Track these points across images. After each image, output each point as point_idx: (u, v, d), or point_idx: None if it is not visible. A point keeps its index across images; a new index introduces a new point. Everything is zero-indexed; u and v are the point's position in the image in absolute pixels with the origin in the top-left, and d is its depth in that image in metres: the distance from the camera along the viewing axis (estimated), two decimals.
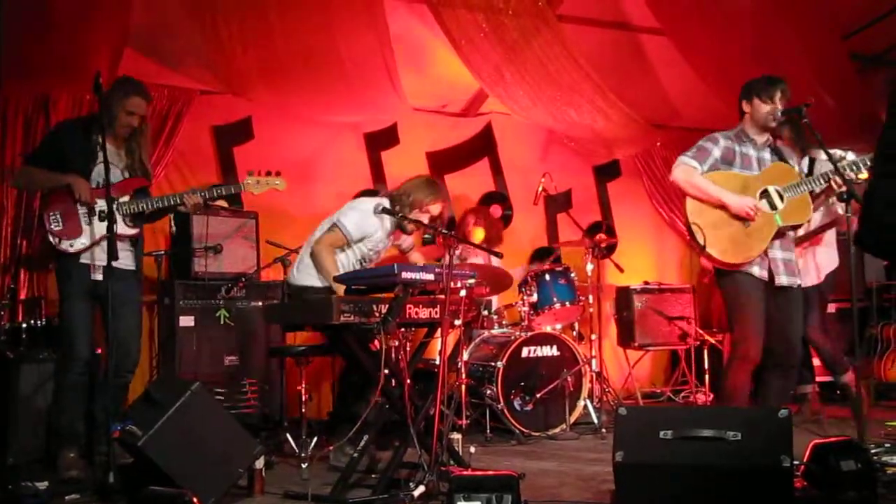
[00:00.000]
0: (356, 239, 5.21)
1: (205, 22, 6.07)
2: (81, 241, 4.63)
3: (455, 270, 4.20)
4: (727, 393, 4.79)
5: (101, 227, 4.60)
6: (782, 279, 4.75)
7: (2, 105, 5.99)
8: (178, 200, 4.81)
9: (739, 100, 4.89)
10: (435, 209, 5.27)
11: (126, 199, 4.72)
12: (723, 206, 4.68)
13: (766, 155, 4.87)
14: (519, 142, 8.31)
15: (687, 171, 4.75)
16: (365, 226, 5.20)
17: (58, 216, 4.62)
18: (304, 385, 5.14)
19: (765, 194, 4.76)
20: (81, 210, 4.64)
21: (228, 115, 7.01)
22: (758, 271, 4.72)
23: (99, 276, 4.65)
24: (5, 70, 5.58)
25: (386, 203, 5.20)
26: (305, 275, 5.28)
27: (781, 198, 4.75)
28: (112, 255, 4.14)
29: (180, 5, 6.05)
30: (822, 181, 4.78)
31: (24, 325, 5.42)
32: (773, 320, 4.77)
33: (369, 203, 5.25)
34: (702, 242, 4.66)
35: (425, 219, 5.21)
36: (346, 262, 5.28)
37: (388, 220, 5.29)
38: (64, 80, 5.95)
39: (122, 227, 4.66)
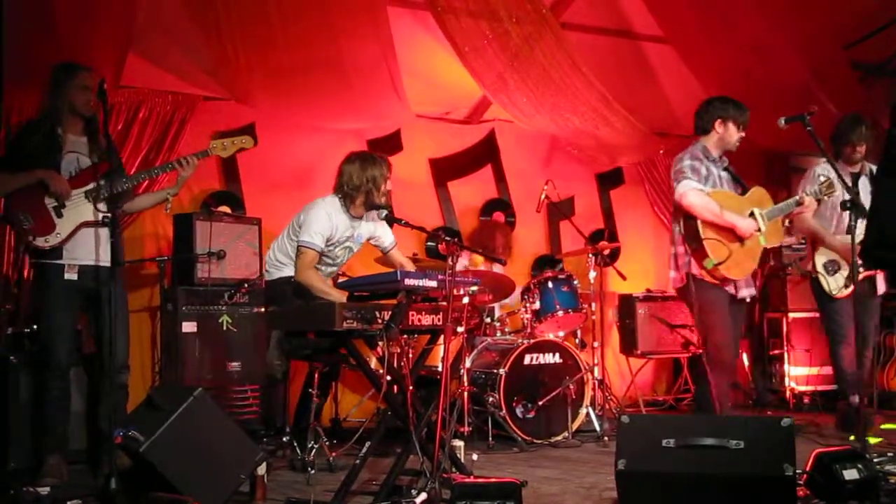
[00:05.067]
0: (326, 246, 5.20)
1: (208, 28, 6.08)
2: (56, 235, 4.55)
3: (458, 277, 4.20)
4: (711, 401, 4.97)
5: (72, 219, 4.57)
6: (743, 292, 5.13)
7: (5, 112, 5.99)
8: (150, 175, 4.89)
9: (711, 117, 5.13)
10: (387, 175, 5.25)
11: (97, 184, 4.63)
12: (731, 228, 4.92)
13: (724, 174, 5.17)
14: (522, 149, 8.32)
15: (699, 195, 4.93)
16: (324, 229, 5.17)
17: (27, 215, 4.54)
18: (315, 390, 5.09)
19: (751, 216, 5.04)
20: (50, 204, 4.55)
21: (232, 122, 7.01)
22: (727, 287, 5.05)
23: (73, 276, 4.60)
24: (8, 77, 5.59)
25: (338, 203, 5.22)
26: (276, 269, 5.34)
27: (764, 220, 5.06)
28: (115, 259, 4.13)
29: (184, 12, 6.06)
30: (794, 204, 5.24)
31: (27, 331, 5.42)
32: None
33: (317, 207, 5.22)
34: (718, 259, 4.85)
35: (386, 189, 5.22)
36: (329, 270, 5.35)
37: (341, 209, 5.24)
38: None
39: (93, 214, 4.58)
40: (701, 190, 4.91)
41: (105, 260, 4.50)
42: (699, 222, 4.91)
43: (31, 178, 4.54)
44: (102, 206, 4.65)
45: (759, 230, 5.00)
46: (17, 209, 4.57)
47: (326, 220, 5.16)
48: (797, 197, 5.31)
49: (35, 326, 5.45)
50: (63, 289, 4.61)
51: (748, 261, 5.01)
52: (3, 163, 4.76)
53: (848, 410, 6.21)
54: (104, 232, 4.52)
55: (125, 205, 4.95)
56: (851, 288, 5.90)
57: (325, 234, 5.13)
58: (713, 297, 5.01)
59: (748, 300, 5.23)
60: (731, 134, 5.10)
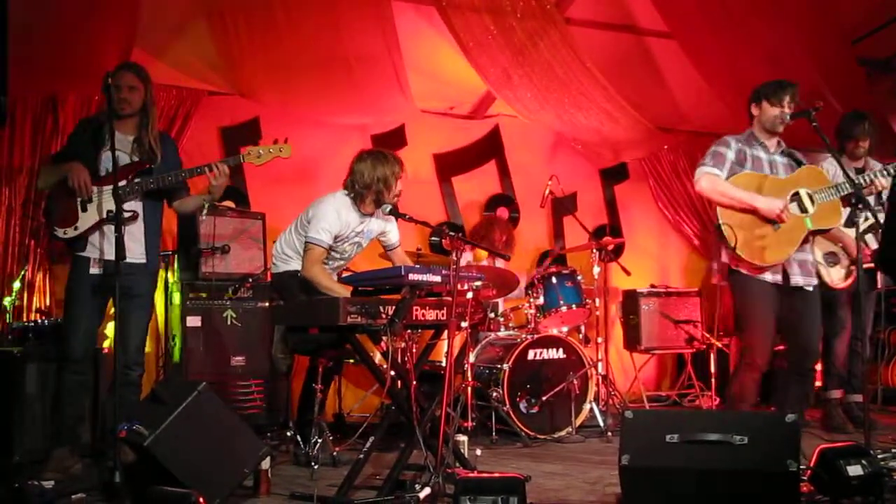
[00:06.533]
0: (334, 242, 5.19)
1: (213, 23, 6.09)
2: (74, 228, 4.59)
3: (462, 272, 4.20)
4: (734, 398, 4.85)
5: (94, 215, 4.59)
6: (797, 279, 4.77)
7: (10, 105, 6.00)
8: (183, 175, 4.75)
9: (749, 103, 4.90)
10: (399, 174, 5.18)
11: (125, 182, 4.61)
12: (753, 210, 4.68)
13: (779, 158, 4.90)
14: (526, 144, 8.32)
15: (712, 179, 4.74)
16: (332, 226, 5.14)
17: (55, 205, 4.62)
18: (319, 384, 5.09)
19: (795, 197, 4.76)
20: (79, 198, 4.59)
21: (236, 116, 7.02)
22: (770, 277, 4.75)
23: (97, 271, 4.62)
24: (13, 70, 5.59)
25: (348, 200, 5.19)
26: (283, 263, 5.34)
27: (812, 201, 4.75)
28: (120, 254, 4.13)
29: (188, 6, 6.07)
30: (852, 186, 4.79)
31: (32, 324, 5.43)
32: (787, 322, 4.81)
33: (326, 203, 5.20)
34: (733, 243, 4.66)
35: (398, 189, 5.15)
36: (337, 264, 5.35)
37: (351, 207, 5.22)
38: (72, 81, 5.98)
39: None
40: (716, 175, 4.72)
41: (130, 256, 4.54)
42: (718, 208, 4.73)
43: (61, 173, 4.60)
44: (137, 204, 4.67)
45: (806, 212, 4.71)
46: (51, 200, 4.67)
47: (335, 216, 5.14)
48: (867, 175, 5.01)
49: (40, 320, 5.47)
50: (86, 282, 4.63)
51: (785, 244, 4.68)
52: (57, 156, 4.89)
53: (830, 407, 6.20)
54: (129, 229, 4.55)
55: (176, 202, 4.94)
56: (850, 279, 5.91)
57: (333, 230, 5.13)
58: (752, 290, 4.74)
59: (811, 289, 4.81)
60: (766, 112, 4.80)
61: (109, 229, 4.59)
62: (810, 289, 4.82)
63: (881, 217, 5.63)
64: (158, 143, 4.79)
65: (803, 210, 4.74)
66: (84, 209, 4.60)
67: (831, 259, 5.94)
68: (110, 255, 4.57)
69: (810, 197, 4.76)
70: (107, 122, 4.43)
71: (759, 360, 4.75)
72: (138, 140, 4.75)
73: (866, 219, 5.27)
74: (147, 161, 4.72)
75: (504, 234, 7.15)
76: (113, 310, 4.62)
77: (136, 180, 4.64)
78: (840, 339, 6.10)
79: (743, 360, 4.86)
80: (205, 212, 5.05)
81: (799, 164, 4.90)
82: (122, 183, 4.56)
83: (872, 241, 5.72)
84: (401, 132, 7.70)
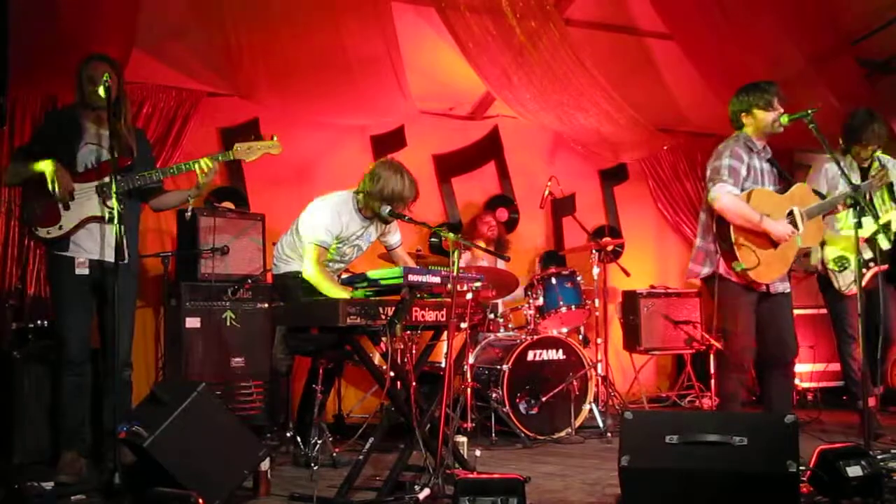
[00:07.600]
0: (335, 243, 5.19)
1: (212, 24, 6.08)
2: (58, 228, 4.49)
3: (461, 273, 4.20)
4: (723, 400, 4.96)
5: (77, 213, 4.50)
6: (777, 287, 4.88)
7: (9, 106, 5.99)
8: (165, 174, 4.63)
9: (735, 113, 4.93)
10: (406, 193, 5.11)
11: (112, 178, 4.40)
12: (764, 233, 4.73)
13: (766, 166, 4.95)
14: (525, 145, 8.31)
15: (734, 201, 4.73)
16: (333, 226, 5.13)
17: (36, 205, 4.50)
18: (319, 386, 5.09)
19: (790, 215, 4.83)
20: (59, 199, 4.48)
21: (235, 117, 7.01)
22: (759, 287, 4.82)
23: (84, 271, 4.54)
24: (13, 71, 5.60)
25: (350, 199, 5.20)
26: (284, 264, 5.35)
27: (803, 220, 4.84)
28: (119, 255, 4.11)
29: (188, 8, 6.06)
30: (840, 200, 5.01)
31: (31, 325, 5.42)
32: (766, 322, 4.90)
33: (327, 204, 5.19)
34: (752, 265, 4.70)
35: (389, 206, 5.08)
36: (336, 267, 5.36)
37: (353, 208, 5.22)
38: (71, 82, 5.94)
39: (100, 209, 4.50)
40: (738, 195, 4.72)
41: (111, 256, 4.40)
42: (731, 226, 4.74)
43: (35, 170, 4.47)
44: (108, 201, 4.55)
45: (797, 230, 4.79)
46: (29, 199, 4.55)
47: (336, 217, 5.14)
48: (843, 193, 5.05)
49: (39, 322, 5.46)
50: (75, 283, 4.55)
51: (780, 264, 4.80)
52: (25, 151, 4.72)
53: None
54: (110, 228, 4.44)
55: (152, 201, 4.87)
56: (863, 284, 5.83)
57: (333, 231, 5.13)
58: (740, 300, 4.82)
59: (787, 291, 4.95)
60: (762, 119, 4.81)
61: (95, 228, 4.55)
62: (787, 291, 4.96)
63: (887, 217, 5.64)
64: (134, 136, 4.69)
65: (795, 227, 4.82)
66: (67, 207, 4.50)
67: (843, 263, 5.82)
68: (96, 254, 4.55)
69: (801, 215, 4.85)
70: (109, 116, 4.33)
71: (744, 360, 4.86)
72: (113, 131, 4.54)
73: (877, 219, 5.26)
74: (129, 156, 4.60)
75: (494, 230, 7.14)
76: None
77: (118, 177, 4.55)
78: (856, 345, 5.98)
79: (728, 362, 4.95)
80: (190, 207, 4.97)
81: (780, 173, 4.97)
82: (106, 179, 4.46)
83: (884, 242, 5.68)
84: (400, 133, 7.70)
